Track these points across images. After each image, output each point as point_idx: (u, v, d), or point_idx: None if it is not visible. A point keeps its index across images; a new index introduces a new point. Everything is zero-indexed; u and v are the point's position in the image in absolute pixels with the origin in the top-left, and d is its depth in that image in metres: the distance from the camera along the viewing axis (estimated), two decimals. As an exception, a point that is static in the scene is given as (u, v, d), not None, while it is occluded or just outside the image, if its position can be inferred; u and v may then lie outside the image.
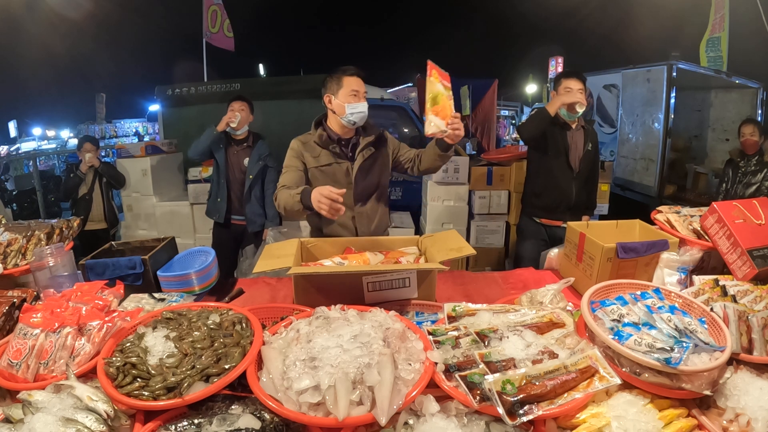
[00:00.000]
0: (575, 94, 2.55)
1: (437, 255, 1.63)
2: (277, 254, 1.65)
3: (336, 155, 2.05)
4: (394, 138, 2.23)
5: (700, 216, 1.80)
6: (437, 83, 1.70)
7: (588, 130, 2.78)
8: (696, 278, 1.56)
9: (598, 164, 2.96)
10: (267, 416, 0.98)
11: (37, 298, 1.46)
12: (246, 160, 3.34)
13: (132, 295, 1.58)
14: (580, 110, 2.57)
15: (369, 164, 2.08)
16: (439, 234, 1.84)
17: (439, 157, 2.00)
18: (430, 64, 1.70)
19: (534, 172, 2.90)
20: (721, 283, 1.49)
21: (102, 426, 0.94)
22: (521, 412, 0.92)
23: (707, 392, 1.01)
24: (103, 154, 7.61)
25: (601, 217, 4.41)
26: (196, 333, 1.16)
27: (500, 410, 0.91)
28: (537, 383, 0.97)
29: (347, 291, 1.47)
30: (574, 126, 2.72)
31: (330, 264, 1.70)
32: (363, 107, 1.99)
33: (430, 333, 1.17)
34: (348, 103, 1.97)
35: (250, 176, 3.32)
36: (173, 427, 0.96)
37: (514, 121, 18.22)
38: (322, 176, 2.06)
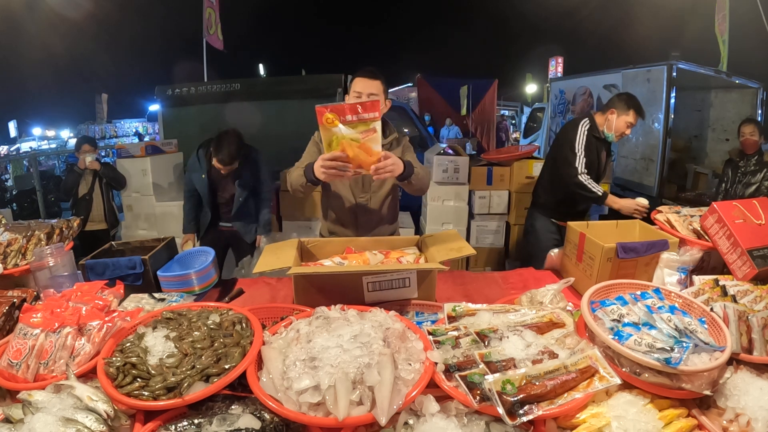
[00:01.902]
0: (636, 212, 2.53)
1: (437, 255, 1.63)
2: (277, 254, 1.66)
3: None
4: (408, 144, 2.14)
5: (700, 216, 1.80)
6: (331, 128, 1.43)
7: (608, 141, 2.80)
8: (696, 278, 1.56)
9: (609, 170, 3.02)
10: (267, 416, 0.98)
11: (37, 298, 1.46)
12: (237, 183, 3.03)
13: (132, 295, 1.58)
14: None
15: None
16: (439, 234, 1.84)
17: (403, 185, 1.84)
18: (318, 109, 1.42)
19: (556, 181, 2.86)
20: (721, 283, 1.49)
21: (102, 426, 0.94)
22: (521, 412, 0.92)
23: (707, 392, 1.01)
24: (103, 153, 7.62)
25: (601, 217, 4.41)
26: (196, 333, 1.16)
27: (500, 410, 0.91)
28: (537, 383, 0.97)
29: (347, 291, 1.47)
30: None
31: (330, 264, 1.70)
32: None
33: (430, 333, 1.17)
34: None
35: (240, 199, 3.05)
36: (173, 427, 0.96)
37: (514, 121, 18.24)
38: None
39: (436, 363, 1.04)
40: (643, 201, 2.54)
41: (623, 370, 1.05)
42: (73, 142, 13.21)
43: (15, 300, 1.38)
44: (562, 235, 2.80)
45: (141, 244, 1.98)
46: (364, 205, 2.08)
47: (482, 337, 1.14)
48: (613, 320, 1.16)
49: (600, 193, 2.59)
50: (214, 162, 2.89)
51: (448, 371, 1.03)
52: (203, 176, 3.01)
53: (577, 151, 2.67)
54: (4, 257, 1.64)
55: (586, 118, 2.75)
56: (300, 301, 1.51)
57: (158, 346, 1.12)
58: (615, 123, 2.60)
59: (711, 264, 1.73)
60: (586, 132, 2.69)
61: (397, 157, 1.69)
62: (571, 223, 1.92)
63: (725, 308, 1.24)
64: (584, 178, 2.63)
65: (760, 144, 3.82)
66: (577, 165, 2.65)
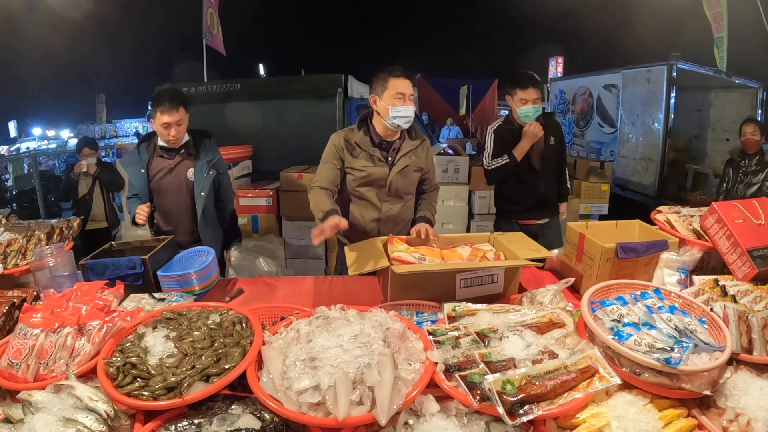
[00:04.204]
0: (537, 129, 2.57)
1: (519, 253, 1.68)
2: (367, 255, 1.68)
3: (375, 159, 2.03)
4: (432, 156, 2.19)
5: (700, 216, 1.80)
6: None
7: (548, 124, 2.74)
8: (696, 278, 1.56)
9: (564, 155, 2.96)
10: (267, 416, 0.98)
11: (37, 298, 1.46)
12: (190, 172, 2.31)
13: (132, 295, 1.58)
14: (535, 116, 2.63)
15: (407, 170, 2.06)
16: (510, 234, 1.92)
17: None
18: None
19: (500, 179, 2.88)
20: (721, 283, 1.48)
21: (102, 426, 0.94)
22: (521, 412, 0.92)
23: (707, 392, 1.01)
24: (103, 154, 7.62)
25: (601, 217, 4.41)
26: (196, 333, 1.16)
27: (500, 410, 0.91)
28: (537, 383, 0.97)
29: (440, 287, 1.56)
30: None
31: (409, 258, 1.71)
32: (408, 111, 1.94)
33: (430, 333, 1.17)
34: (392, 105, 1.93)
35: (202, 193, 2.31)
36: (173, 427, 0.96)
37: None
38: (360, 176, 2.05)
39: (436, 363, 1.04)
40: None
41: (623, 370, 1.05)
42: (73, 142, 13.23)
43: (15, 300, 1.38)
44: (524, 233, 2.80)
45: (141, 244, 1.98)
46: (388, 209, 2.08)
47: (482, 337, 1.14)
48: (613, 320, 1.16)
49: (507, 159, 2.66)
50: (160, 121, 2.16)
51: (448, 371, 1.03)
52: (142, 170, 2.26)
53: (484, 151, 2.83)
54: (4, 257, 1.64)
55: (501, 118, 2.87)
56: (394, 297, 1.57)
57: (158, 346, 1.12)
58: (513, 105, 2.65)
59: (711, 264, 1.73)
60: (492, 133, 2.79)
61: (423, 224, 1.92)
62: (570, 224, 1.92)
63: (725, 308, 1.24)
64: (490, 166, 2.76)
65: (761, 144, 3.82)
66: (483, 161, 2.83)
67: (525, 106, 2.58)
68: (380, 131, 2.03)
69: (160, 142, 2.29)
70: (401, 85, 1.92)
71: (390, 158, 2.05)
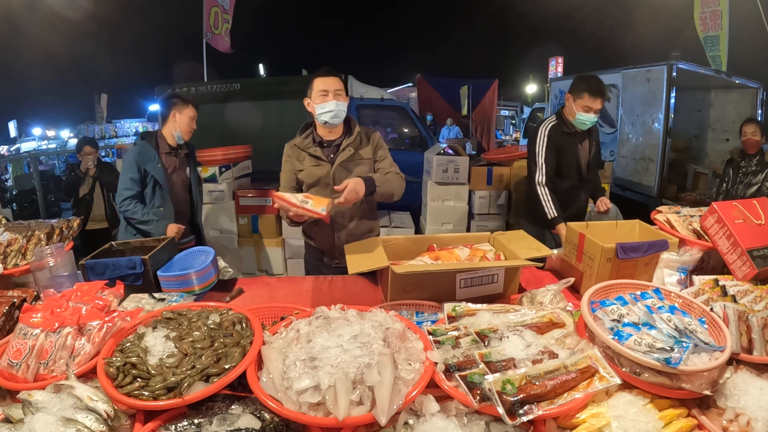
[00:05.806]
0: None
1: (519, 253, 1.68)
2: (365, 253, 1.69)
3: (316, 158, 2.08)
4: (380, 140, 2.17)
5: (700, 216, 1.80)
6: None
7: (591, 130, 2.66)
8: (696, 278, 1.56)
9: (600, 158, 2.85)
10: (267, 416, 0.98)
11: (37, 298, 1.46)
12: (188, 169, 2.67)
13: (132, 295, 1.58)
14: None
15: (349, 165, 2.08)
16: (510, 234, 1.91)
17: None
18: None
19: (529, 191, 2.69)
20: (721, 283, 1.49)
21: (102, 426, 0.94)
22: (521, 412, 0.92)
23: (707, 392, 1.01)
24: (103, 153, 7.62)
25: (601, 217, 4.40)
26: (196, 333, 1.16)
27: (500, 410, 0.91)
28: (537, 383, 0.97)
29: (440, 287, 1.56)
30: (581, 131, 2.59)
31: (420, 263, 1.72)
32: (331, 106, 1.97)
33: (430, 333, 1.17)
34: (317, 103, 2.00)
35: (198, 190, 2.72)
36: (173, 427, 0.96)
37: (514, 122, 18.25)
38: (306, 179, 2.10)
39: (436, 363, 1.04)
40: None
41: (623, 370, 1.05)
42: (73, 142, 13.22)
43: (15, 300, 1.38)
44: (557, 240, 2.62)
45: (141, 244, 1.98)
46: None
47: (482, 337, 1.14)
48: (613, 320, 1.16)
49: (549, 216, 2.40)
50: (188, 114, 2.46)
51: (448, 371, 1.03)
52: (159, 165, 2.47)
53: (537, 158, 2.54)
54: (4, 257, 1.64)
55: (552, 116, 2.65)
56: (394, 297, 1.58)
57: (158, 346, 1.12)
58: (574, 107, 2.47)
59: (711, 264, 1.73)
60: (547, 134, 2.56)
61: (358, 178, 1.84)
62: (570, 224, 1.92)
63: (725, 308, 1.24)
64: (540, 190, 2.48)
65: (761, 144, 3.82)
66: (536, 174, 2.53)
67: (587, 114, 2.45)
68: (320, 132, 2.09)
69: (171, 132, 2.51)
70: (323, 83, 1.98)
71: (332, 155, 2.09)
